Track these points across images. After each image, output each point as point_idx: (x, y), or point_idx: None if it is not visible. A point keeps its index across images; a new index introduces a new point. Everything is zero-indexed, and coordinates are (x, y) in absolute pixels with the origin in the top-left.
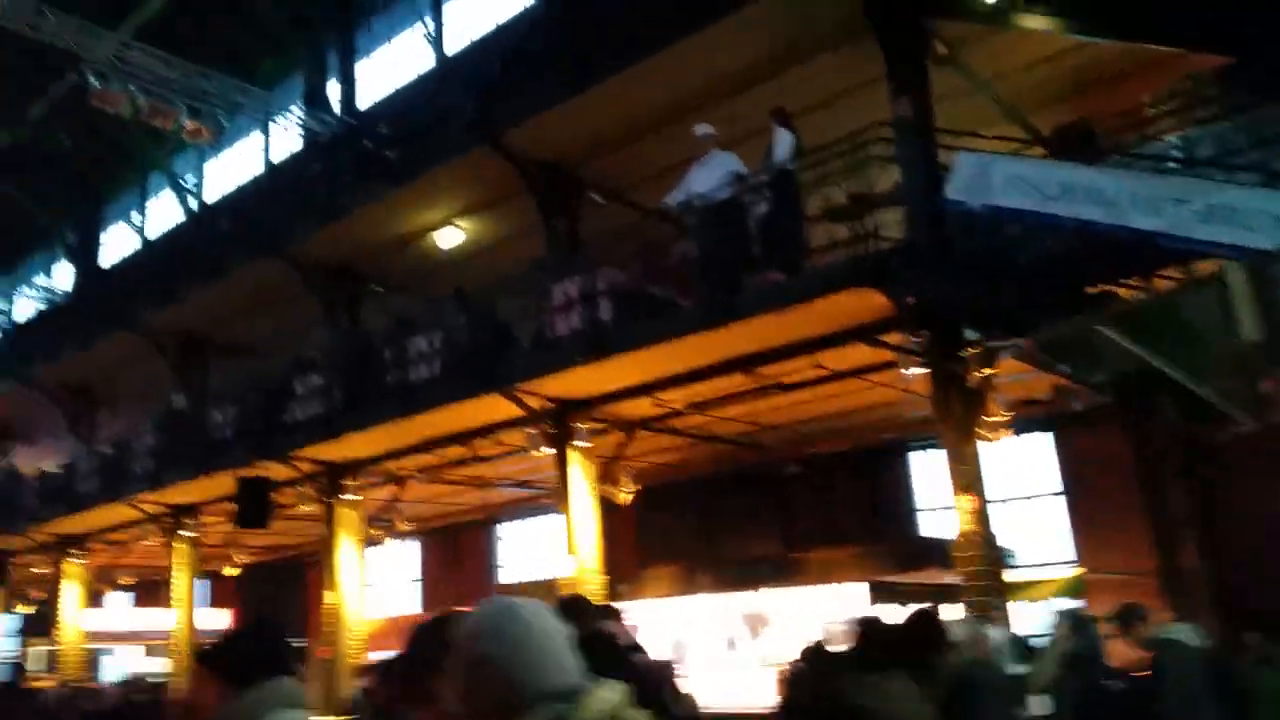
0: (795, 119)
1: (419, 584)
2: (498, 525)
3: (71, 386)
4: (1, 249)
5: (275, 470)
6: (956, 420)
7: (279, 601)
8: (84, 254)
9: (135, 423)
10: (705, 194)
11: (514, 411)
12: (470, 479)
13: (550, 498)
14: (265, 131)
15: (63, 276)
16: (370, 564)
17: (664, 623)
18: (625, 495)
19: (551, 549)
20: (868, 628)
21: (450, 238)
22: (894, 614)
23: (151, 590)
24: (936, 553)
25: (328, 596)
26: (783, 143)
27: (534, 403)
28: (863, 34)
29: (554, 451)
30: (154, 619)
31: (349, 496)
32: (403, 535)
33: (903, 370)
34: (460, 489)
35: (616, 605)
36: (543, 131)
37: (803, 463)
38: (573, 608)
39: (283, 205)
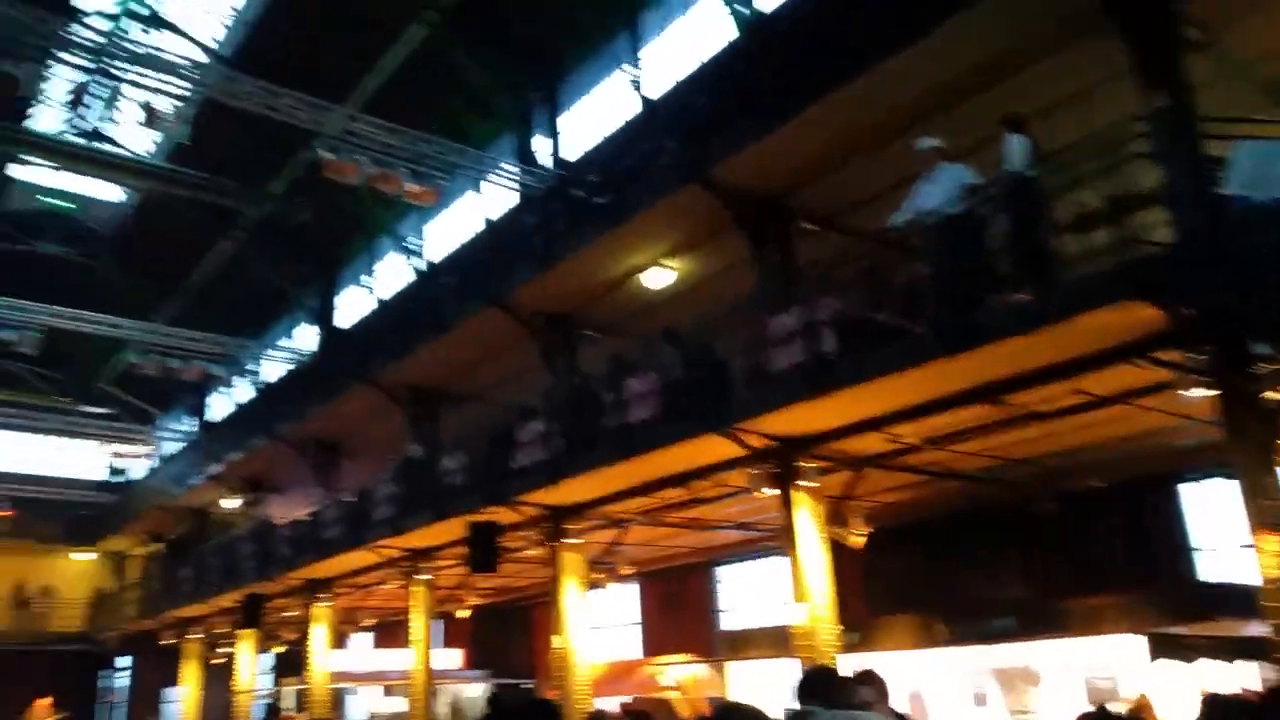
0: (1030, 123)
1: (639, 627)
2: (718, 568)
3: (317, 440)
4: (251, 316)
5: (502, 515)
6: (1253, 447)
7: (507, 642)
8: (323, 317)
9: (375, 472)
10: (935, 209)
11: (734, 451)
12: (690, 521)
13: (773, 539)
14: (479, 190)
15: (305, 338)
16: (592, 607)
17: (900, 676)
18: (857, 538)
19: (775, 593)
20: (1217, 706)
21: (659, 278)
22: (1180, 671)
23: (390, 631)
24: (1228, 600)
25: (555, 640)
26: (1017, 149)
27: (755, 441)
28: (1102, 25)
29: (777, 492)
30: (392, 659)
31: (572, 540)
32: (624, 579)
33: (1181, 392)
34: (680, 531)
35: (868, 669)
36: (750, 164)
37: (1055, 499)
38: (820, 681)
39: (500, 258)
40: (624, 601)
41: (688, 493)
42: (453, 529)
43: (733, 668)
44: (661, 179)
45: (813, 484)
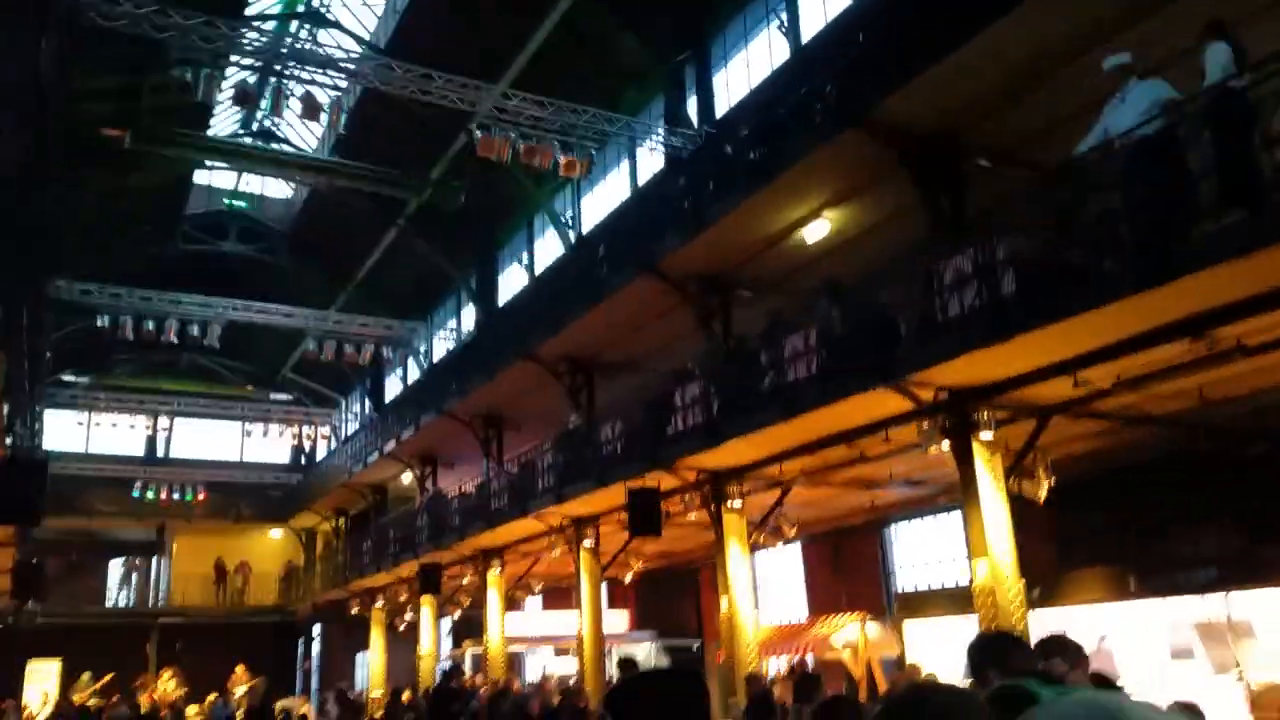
0: (1233, 29)
1: (803, 590)
2: (888, 527)
3: (482, 415)
4: (418, 299)
5: (663, 480)
6: None
7: (673, 605)
8: (484, 296)
9: (537, 443)
10: (1127, 132)
11: (903, 406)
12: (856, 480)
13: (946, 495)
14: (632, 157)
15: (469, 318)
16: (757, 570)
17: (1087, 631)
18: (1039, 490)
19: (949, 550)
20: None
21: (817, 231)
22: None
23: (559, 594)
24: None
25: (722, 603)
26: (1219, 58)
27: (925, 394)
28: None
29: (950, 447)
30: (562, 622)
31: (734, 503)
32: (788, 540)
33: None
34: (845, 491)
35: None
36: (917, 100)
37: (1270, 440)
38: (996, 647)
39: (652, 224)
40: (787, 564)
41: (852, 451)
42: (614, 495)
43: (910, 627)
44: (818, 126)
45: (991, 436)
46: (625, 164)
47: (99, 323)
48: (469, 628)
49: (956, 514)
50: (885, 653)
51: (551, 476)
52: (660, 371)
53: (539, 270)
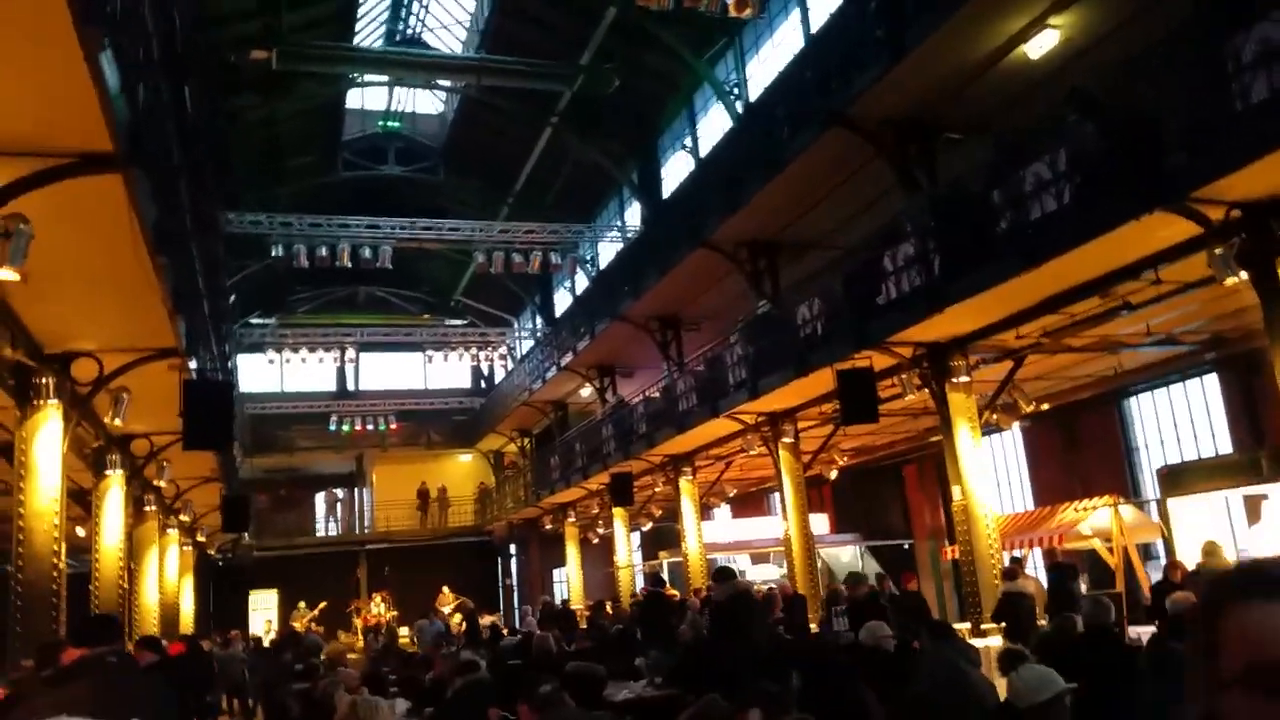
0: None
1: (1027, 477)
2: (1127, 399)
3: (658, 316)
4: (582, 202)
5: (874, 359)
6: None
7: (873, 504)
8: (649, 190)
9: (716, 340)
10: None
11: (1184, 231)
12: (1103, 340)
13: (1198, 355)
14: (803, 4)
15: (635, 216)
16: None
17: None
18: None
19: (1202, 421)
20: None
21: (1043, 44)
22: None
23: (748, 501)
24: None
25: (955, 493)
26: None
27: (1215, 214)
28: None
29: (1242, 277)
30: (758, 528)
31: (960, 379)
32: (1023, 418)
33: None
34: (1086, 357)
35: None
36: None
37: None
38: None
39: (834, 72)
40: (1005, 449)
41: (1108, 301)
42: (815, 384)
43: (1175, 505)
44: None
45: None
46: (795, 11)
47: (273, 252)
48: (659, 539)
49: (1209, 377)
50: (1142, 538)
51: (743, 369)
52: (853, 246)
53: (704, 152)
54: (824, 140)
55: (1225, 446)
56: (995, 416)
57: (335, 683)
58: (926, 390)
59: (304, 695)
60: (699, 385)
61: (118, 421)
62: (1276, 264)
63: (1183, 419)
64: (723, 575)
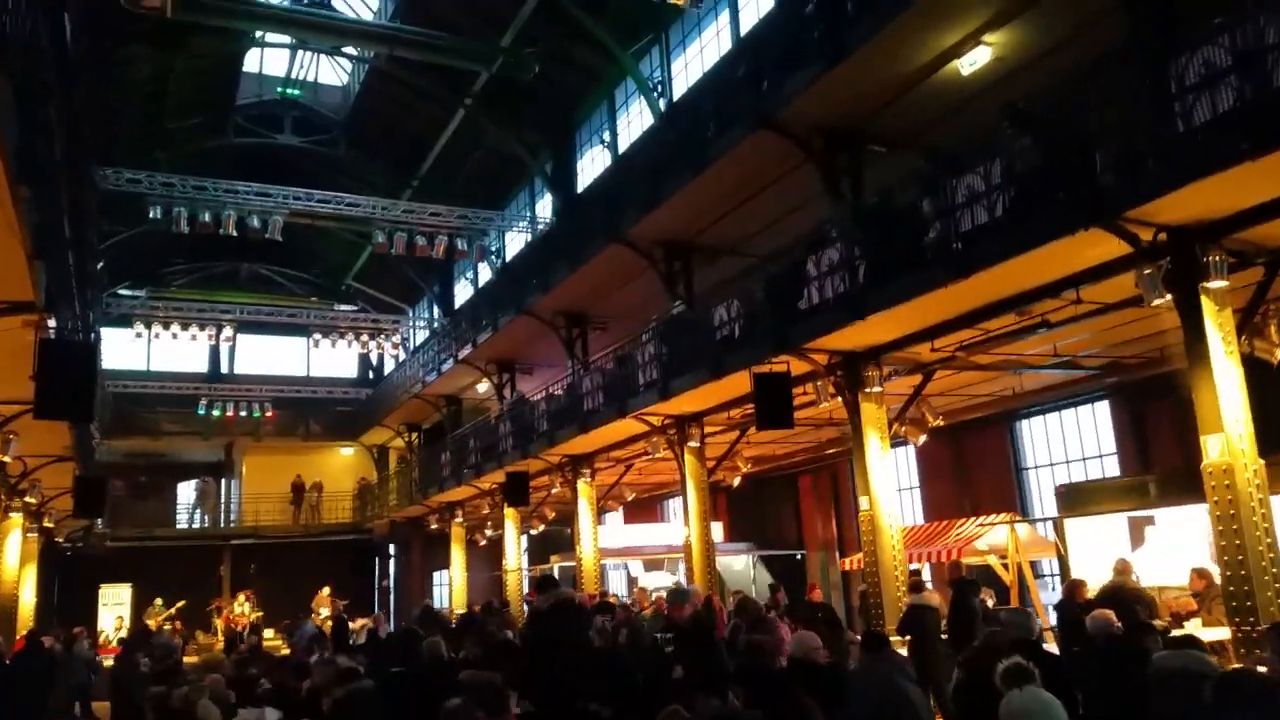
0: None
1: (917, 493)
2: (1018, 421)
3: (564, 312)
4: (490, 191)
5: (790, 364)
6: None
7: (766, 513)
8: (563, 182)
9: (623, 340)
10: None
11: (1112, 251)
12: (1005, 360)
13: (1094, 380)
14: (734, 6)
15: (546, 208)
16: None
17: None
18: (1276, 351)
19: (1089, 445)
20: None
21: (976, 59)
22: None
23: (640, 508)
24: None
25: (863, 503)
26: None
27: (1144, 235)
28: None
29: (1167, 299)
30: (652, 534)
31: (873, 389)
32: (927, 431)
33: None
34: (983, 378)
35: None
36: None
37: None
38: None
39: (764, 71)
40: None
41: (1025, 319)
42: (728, 387)
43: (1072, 525)
44: None
45: (1222, 283)
46: (725, 13)
47: (151, 214)
48: (547, 544)
49: (1100, 404)
50: (1036, 555)
51: (655, 369)
52: (772, 253)
53: (623, 149)
54: (751, 141)
55: (1111, 471)
56: (904, 429)
57: (200, 688)
58: (839, 399)
59: (159, 701)
60: (607, 384)
61: None
62: (1199, 289)
63: (1072, 443)
64: (546, 584)
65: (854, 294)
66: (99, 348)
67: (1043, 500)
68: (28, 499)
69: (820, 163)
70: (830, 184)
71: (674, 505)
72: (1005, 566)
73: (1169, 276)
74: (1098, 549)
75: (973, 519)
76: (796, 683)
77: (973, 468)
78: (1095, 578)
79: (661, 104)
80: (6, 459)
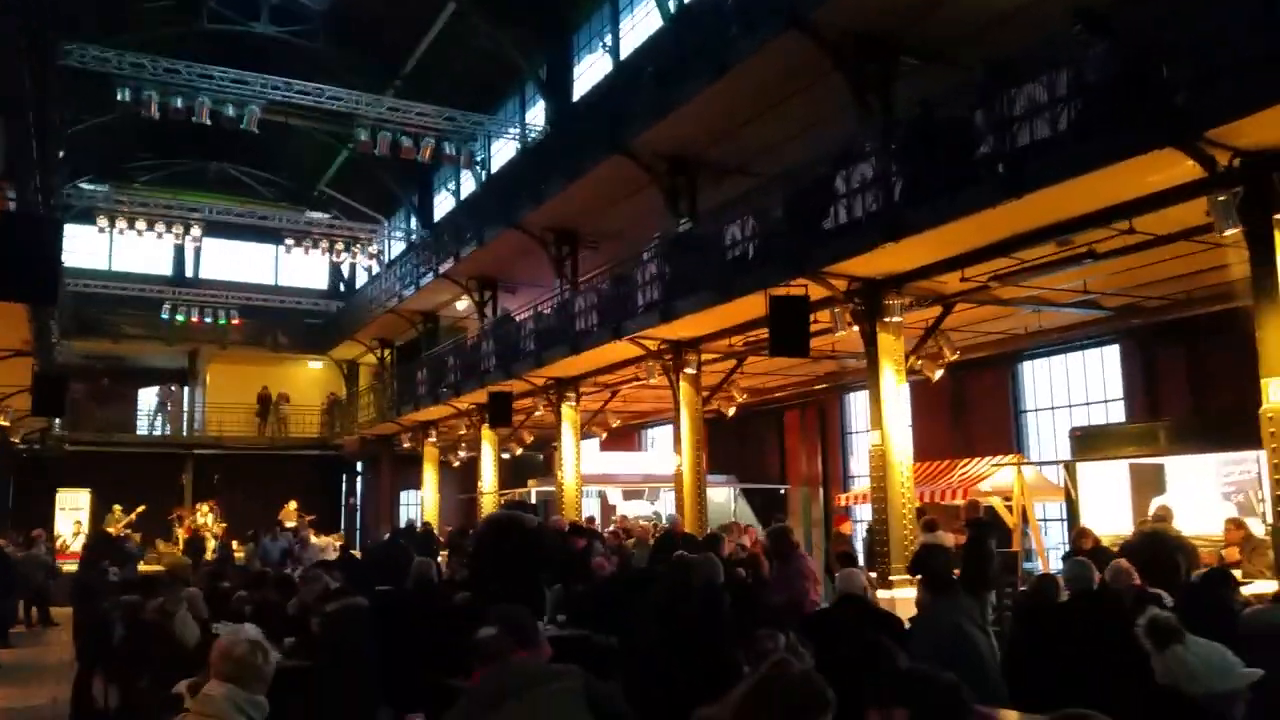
0: None
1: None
2: (1020, 363)
3: (555, 229)
4: (479, 97)
5: (808, 288)
6: None
7: (750, 448)
8: (558, 89)
9: (614, 261)
10: None
11: (1179, 175)
12: (1031, 296)
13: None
14: None
15: (538, 117)
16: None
17: None
18: None
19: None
20: None
21: None
22: None
23: (615, 436)
24: None
25: (874, 438)
26: None
27: (1221, 158)
28: None
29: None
30: (631, 463)
31: (893, 319)
32: (943, 366)
33: None
34: (997, 314)
35: None
36: None
37: None
38: None
39: None
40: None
41: (1066, 248)
42: (735, 311)
43: (1085, 469)
44: None
45: None
46: None
47: (119, 96)
48: (519, 469)
49: (1109, 348)
50: (1041, 499)
51: (656, 290)
52: (787, 170)
53: (625, 54)
54: (778, 43)
55: (1116, 417)
56: (920, 363)
57: (176, 599)
58: (855, 328)
59: (131, 612)
60: (601, 304)
61: None
62: (1273, 220)
63: (1076, 387)
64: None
65: (888, 213)
66: (62, 222)
67: (1040, 444)
68: None
69: (849, 72)
70: (859, 96)
71: (653, 434)
72: (1009, 509)
73: (1243, 205)
74: (1106, 495)
75: (980, 459)
76: (850, 624)
77: (970, 408)
78: (1105, 525)
79: (671, 6)
80: None
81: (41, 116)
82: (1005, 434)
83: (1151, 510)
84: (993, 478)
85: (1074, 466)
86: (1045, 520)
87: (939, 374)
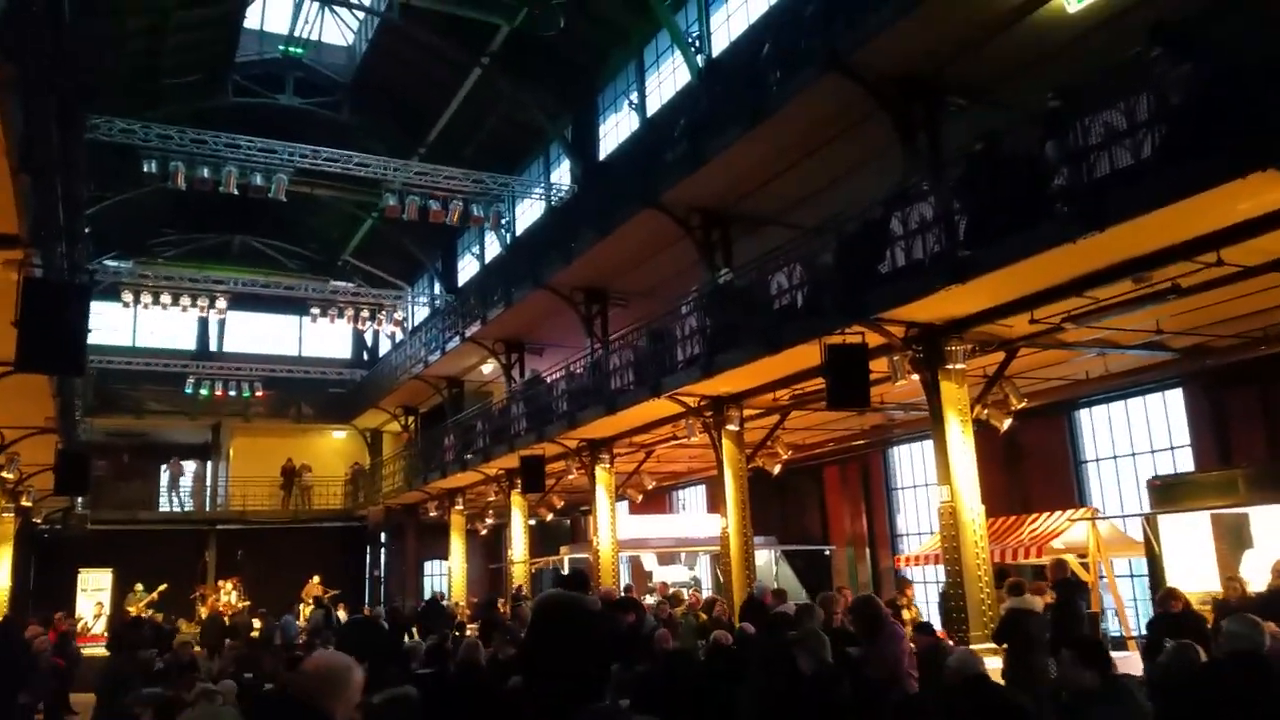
0: None
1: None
2: (1075, 411)
3: (584, 288)
4: (502, 159)
5: (864, 336)
6: None
7: (790, 508)
8: (583, 149)
9: (643, 319)
10: None
11: (1270, 201)
12: (1098, 338)
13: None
14: None
15: (563, 177)
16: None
17: None
18: None
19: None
20: None
21: None
22: None
23: (645, 499)
24: None
25: (943, 493)
26: None
27: None
28: None
29: None
30: (665, 526)
31: (954, 365)
32: (1015, 414)
33: None
34: (1063, 358)
35: None
36: None
37: None
38: None
39: (837, 9)
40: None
41: (1136, 288)
42: (783, 363)
43: (1166, 522)
44: None
45: None
46: None
47: (145, 168)
48: (545, 536)
49: (1171, 392)
50: (1119, 555)
51: (696, 344)
52: (820, 225)
53: (653, 111)
54: (819, 87)
55: (1184, 465)
56: (987, 412)
57: (212, 693)
58: (916, 377)
59: (166, 707)
60: (637, 361)
61: None
62: None
63: (1139, 434)
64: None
65: (951, 254)
66: (90, 291)
67: (1104, 495)
68: (5, 473)
69: (895, 113)
70: (906, 136)
71: (684, 496)
72: (1084, 567)
73: None
74: (1187, 549)
75: (1051, 513)
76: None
77: (1025, 459)
78: (1188, 582)
79: (700, 60)
80: None
81: (69, 184)
82: (1065, 486)
83: (1272, 565)
84: (1068, 533)
85: (1155, 519)
86: (1119, 577)
87: (1008, 423)
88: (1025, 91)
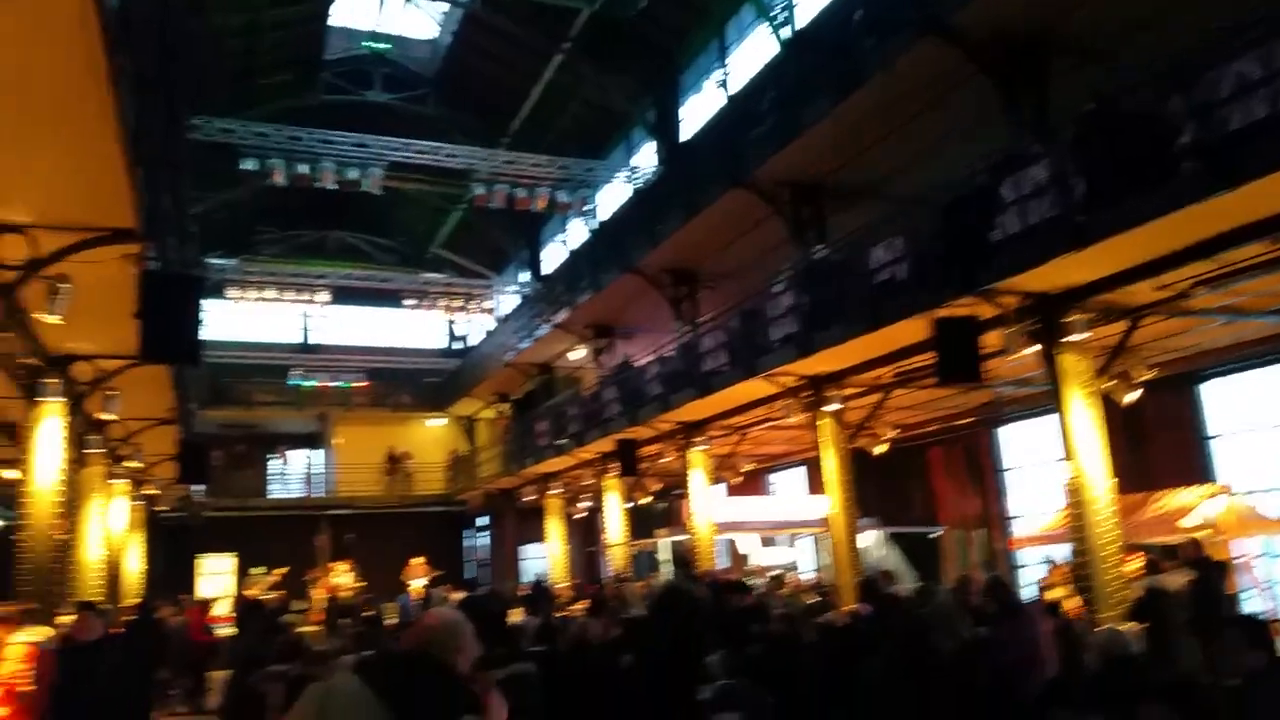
0: None
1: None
2: (1201, 383)
3: (672, 270)
4: (585, 144)
5: (975, 308)
6: None
7: (893, 489)
8: (665, 130)
9: (733, 300)
10: None
11: None
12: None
13: None
14: None
15: (647, 159)
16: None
17: None
18: None
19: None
20: None
21: None
22: None
23: (746, 480)
24: None
25: (1068, 469)
26: None
27: None
28: None
29: None
30: (764, 509)
31: (1075, 336)
32: (1137, 387)
33: None
34: (1187, 325)
35: None
36: None
37: None
38: None
39: None
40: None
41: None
42: (885, 340)
43: None
44: None
45: None
46: None
47: (244, 165)
48: (641, 519)
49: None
50: (1254, 534)
51: (792, 322)
52: (927, 183)
53: (736, 88)
54: (916, 52)
55: None
56: (1111, 384)
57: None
58: (1035, 349)
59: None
60: (731, 342)
61: (54, 319)
62: None
63: (1272, 406)
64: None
65: (1068, 219)
66: (203, 282)
67: (1233, 471)
68: (130, 463)
69: (999, 75)
70: (1011, 99)
71: (775, 479)
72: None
73: None
74: None
75: (1178, 489)
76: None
77: (1147, 433)
78: None
79: (786, 31)
80: (111, 417)
81: (176, 180)
82: (1191, 461)
83: None
84: (1201, 510)
85: None
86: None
87: (1132, 396)
88: (1140, 47)
